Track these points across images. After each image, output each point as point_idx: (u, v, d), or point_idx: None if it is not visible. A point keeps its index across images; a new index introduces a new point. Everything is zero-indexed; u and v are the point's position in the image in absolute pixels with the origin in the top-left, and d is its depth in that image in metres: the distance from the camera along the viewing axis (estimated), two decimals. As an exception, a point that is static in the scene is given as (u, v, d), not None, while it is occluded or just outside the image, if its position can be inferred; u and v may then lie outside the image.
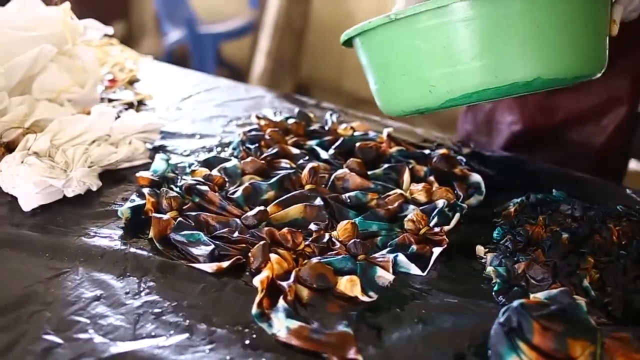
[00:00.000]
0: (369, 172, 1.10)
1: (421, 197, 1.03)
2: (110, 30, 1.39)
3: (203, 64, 3.93)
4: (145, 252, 0.86)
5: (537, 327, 0.68)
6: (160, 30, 4.48)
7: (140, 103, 1.40)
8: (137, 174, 1.01)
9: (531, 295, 0.79)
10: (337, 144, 1.18)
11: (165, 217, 0.89)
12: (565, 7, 0.90)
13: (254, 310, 0.74)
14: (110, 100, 1.36)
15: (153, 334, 0.71)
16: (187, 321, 0.73)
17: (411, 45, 0.95)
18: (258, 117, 1.32)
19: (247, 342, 0.71)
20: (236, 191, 1.00)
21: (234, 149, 1.19)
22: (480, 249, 0.93)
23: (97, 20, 1.42)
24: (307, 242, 0.88)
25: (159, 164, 1.05)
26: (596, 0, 0.95)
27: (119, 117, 1.18)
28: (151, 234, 0.88)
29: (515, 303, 0.71)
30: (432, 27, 0.92)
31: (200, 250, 0.85)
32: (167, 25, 4.17)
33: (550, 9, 0.89)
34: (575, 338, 0.68)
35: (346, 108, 1.47)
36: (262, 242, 0.84)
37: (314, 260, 0.83)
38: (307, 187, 1.02)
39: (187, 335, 0.71)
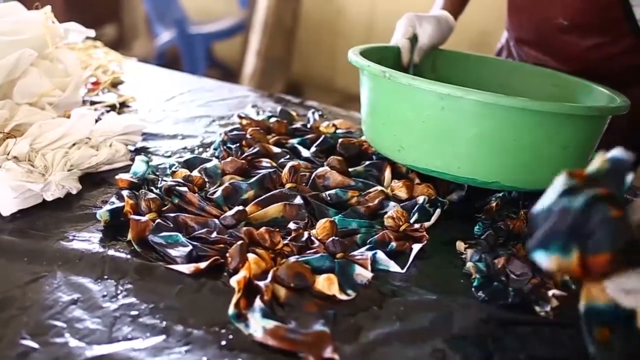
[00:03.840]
0: (351, 170, 1.10)
1: (402, 193, 1.03)
2: (92, 33, 1.39)
3: (194, 64, 3.93)
4: (123, 255, 0.85)
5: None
6: (151, 32, 4.47)
7: (123, 105, 1.40)
8: (117, 177, 1.01)
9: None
10: (318, 141, 1.18)
11: (143, 219, 0.89)
12: (542, 130, 0.95)
13: (231, 310, 0.74)
14: (92, 103, 1.36)
15: (129, 336, 0.71)
16: (164, 323, 0.73)
17: (396, 106, 1.02)
18: (240, 117, 1.32)
19: (223, 342, 0.71)
20: (216, 191, 0.99)
21: (215, 149, 1.19)
22: (460, 245, 0.93)
23: (89, 23, 1.42)
24: (285, 241, 0.88)
25: (138, 165, 1.04)
26: (583, 127, 0.99)
27: (100, 119, 1.17)
28: (129, 236, 0.88)
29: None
30: (421, 101, 0.97)
31: (178, 252, 0.84)
32: (158, 27, 4.17)
33: (530, 130, 0.94)
34: None
35: (337, 105, 1.47)
36: (239, 242, 0.84)
37: (292, 259, 0.83)
38: (288, 185, 1.01)
39: (163, 337, 0.71)
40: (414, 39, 1.27)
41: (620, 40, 1.24)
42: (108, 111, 1.33)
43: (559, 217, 0.60)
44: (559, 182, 0.61)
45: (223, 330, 0.72)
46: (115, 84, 1.51)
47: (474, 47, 1.69)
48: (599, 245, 0.59)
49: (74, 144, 1.07)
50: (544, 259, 0.61)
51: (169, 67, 1.80)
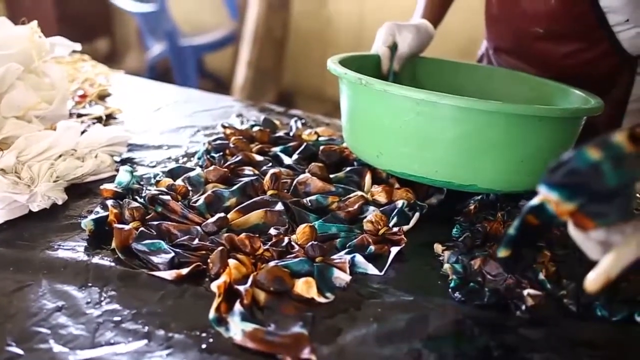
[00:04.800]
0: (332, 176, 1.12)
1: (381, 198, 1.05)
2: (78, 46, 1.41)
3: (185, 76, 3.95)
4: (107, 263, 0.87)
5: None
6: (143, 45, 4.50)
7: (110, 117, 1.42)
8: (101, 187, 1.03)
9: None
10: (300, 149, 1.20)
11: (127, 227, 0.91)
12: (517, 133, 0.97)
13: (211, 314, 0.76)
14: (79, 115, 1.38)
15: (112, 341, 0.72)
16: (146, 328, 0.75)
17: (374, 112, 1.04)
18: (224, 126, 1.34)
19: (203, 346, 0.72)
20: (199, 199, 1.01)
21: (199, 158, 1.21)
22: (438, 247, 0.95)
23: (81, 37, 1.44)
24: (266, 247, 0.89)
25: (123, 175, 1.06)
26: (557, 129, 1.00)
27: (86, 131, 1.19)
28: (113, 245, 0.89)
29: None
30: (397, 107, 0.99)
31: (161, 259, 0.86)
32: (149, 40, 4.19)
33: (504, 132, 0.96)
34: None
35: (328, 114, 1.49)
36: (220, 248, 0.86)
37: (272, 264, 0.85)
38: (269, 193, 1.03)
39: (145, 341, 0.73)
40: (393, 47, 1.29)
41: (596, 46, 1.26)
42: (94, 123, 1.35)
43: (587, 171, 0.60)
44: (617, 142, 0.59)
45: (204, 334, 0.74)
46: (102, 97, 1.53)
47: (462, 55, 1.71)
48: (600, 216, 0.62)
49: (60, 156, 1.08)
50: (545, 192, 0.63)
51: (160, 80, 1.83)
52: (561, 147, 1.02)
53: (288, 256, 0.89)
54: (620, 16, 1.20)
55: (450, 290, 0.86)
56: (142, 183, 1.08)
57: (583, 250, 0.66)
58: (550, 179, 0.62)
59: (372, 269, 0.88)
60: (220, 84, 4.26)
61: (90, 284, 0.83)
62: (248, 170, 1.12)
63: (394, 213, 1.01)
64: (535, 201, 0.66)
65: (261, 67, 3.80)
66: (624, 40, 1.24)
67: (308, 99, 4.14)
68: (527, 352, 0.75)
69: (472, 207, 1.04)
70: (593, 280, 0.62)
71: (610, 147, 0.59)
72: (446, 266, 0.90)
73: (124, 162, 1.18)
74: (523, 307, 0.82)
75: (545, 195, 0.63)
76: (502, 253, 0.72)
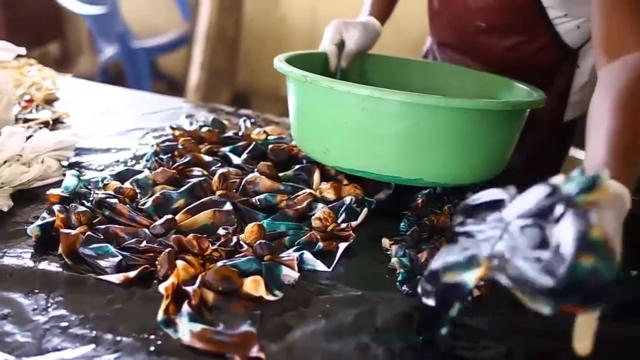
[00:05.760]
0: (281, 174, 1.12)
1: (330, 195, 1.06)
2: (23, 51, 1.39)
3: (138, 78, 3.91)
4: (54, 268, 0.86)
5: None
6: (95, 48, 4.44)
7: (57, 121, 1.40)
8: (48, 192, 1.02)
9: None
10: (249, 148, 1.20)
11: (73, 232, 0.90)
12: (461, 127, 0.98)
13: (160, 316, 0.75)
14: (26, 120, 1.36)
15: (59, 347, 0.72)
16: (94, 332, 0.74)
17: (320, 109, 1.05)
18: (172, 128, 1.33)
19: (152, 348, 0.72)
20: (147, 202, 1.01)
21: (147, 160, 1.20)
22: (385, 241, 0.96)
23: (31, 42, 1.42)
24: (214, 247, 0.89)
25: (69, 180, 1.05)
26: (500, 122, 1.02)
27: (32, 136, 1.18)
28: (60, 250, 0.89)
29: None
30: (342, 104, 1.00)
31: (108, 262, 0.86)
32: (101, 43, 4.14)
33: (448, 126, 0.98)
34: None
35: (283, 114, 1.48)
36: (167, 250, 0.85)
37: (220, 263, 0.85)
38: (218, 193, 1.03)
39: (93, 346, 0.72)
40: (341, 45, 1.30)
41: (538, 39, 1.29)
42: (41, 128, 1.33)
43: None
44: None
45: (152, 337, 0.74)
46: (49, 101, 1.51)
47: (417, 52, 1.72)
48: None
49: (5, 162, 1.07)
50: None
51: (114, 83, 1.81)
52: (505, 139, 1.04)
53: (236, 255, 0.89)
54: (559, 11, 1.23)
55: (397, 283, 0.87)
56: (89, 187, 1.07)
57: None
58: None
59: (320, 266, 0.89)
60: (174, 86, 4.23)
61: (37, 291, 0.82)
62: (197, 171, 1.12)
63: (342, 209, 1.01)
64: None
65: (215, 68, 3.79)
66: (564, 33, 1.27)
67: (263, 99, 4.13)
68: (473, 342, 0.76)
69: (419, 201, 1.06)
70: (583, 349, 0.64)
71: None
72: (394, 260, 0.91)
73: (71, 166, 1.17)
74: (469, 298, 0.83)
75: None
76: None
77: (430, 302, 0.73)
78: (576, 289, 0.58)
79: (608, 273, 0.58)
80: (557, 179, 0.63)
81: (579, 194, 0.60)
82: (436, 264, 0.73)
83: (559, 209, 0.60)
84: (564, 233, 0.58)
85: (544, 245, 0.60)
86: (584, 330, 0.64)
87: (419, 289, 0.76)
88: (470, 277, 0.68)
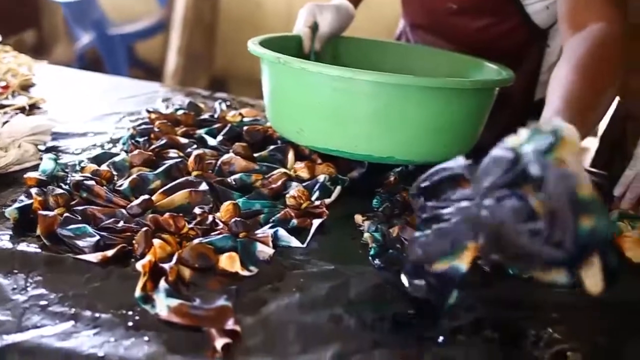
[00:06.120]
0: (256, 155, 1.14)
1: (304, 174, 1.08)
2: (-3, 37, 1.40)
3: (116, 65, 3.90)
4: (32, 249, 0.87)
5: None
6: (71, 36, 4.41)
7: (34, 107, 1.40)
8: (25, 175, 1.03)
9: None
10: (224, 130, 1.22)
11: (51, 213, 0.91)
12: (431, 105, 1.01)
13: (137, 293, 0.77)
14: (2, 107, 1.36)
15: (38, 324, 0.73)
16: (73, 310, 0.76)
17: (293, 90, 1.07)
18: (148, 111, 1.34)
19: (130, 324, 0.74)
20: (123, 183, 1.02)
21: (123, 143, 1.21)
22: (358, 218, 0.98)
23: (7, 30, 1.42)
24: (190, 225, 0.91)
25: (46, 163, 1.06)
26: (469, 100, 1.04)
27: (8, 122, 1.18)
28: (38, 232, 0.90)
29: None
30: (314, 84, 1.03)
31: (86, 242, 0.87)
32: (77, 30, 4.11)
33: (418, 105, 1.00)
34: None
35: (260, 97, 1.49)
36: (144, 229, 0.87)
37: (196, 241, 0.87)
38: (194, 173, 1.05)
39: (72, 322, 0.74)
40: (315, 28, 1.32)
41: (508, 20, 1.31)
42: (17, 113, 1.34)
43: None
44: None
45: (130, 313, 0.75)
46: (25, 87, 1.51)
47: (390, 33, 1.73)
48: None
49: (-19, 147, 1.08)
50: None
51: (90, 70, 1.81)
52: (474, 117, 1.06)
53: (212, 234, 0.90)
54: None
55: (370, 257, 0.90)
56: (66, 170, 1.08)
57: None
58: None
59: (295, 242, 0.91)
60: (152, 72, 4.21)
61: (16, 271, 0.83)
62: (173, 152, 1.13)
63: (316, 187, 1.04)
64: None
65: (192, 53, 3.79)
66: (533, 14, 1.29)
67: (241, 83, 4.12)
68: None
69: (392, 178, 1.08)
70: (596, 286, 0.60)
71: None
72: (366, 235, 0.94)
73: (48, 150, 1.18)
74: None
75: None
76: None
77: (423, 295, 0.74)
78: (584, 251, 0.58)
79: (607, 227, 0.58)
80: (512, 141, 0.64)
81: (546, 153, 0.60)
82: (415, 257, 0.73)
83: (533, 171, 0.60)
84: (554, 200, 0.58)
85: (531, 215, 0.60)
86: (591, 270, 0.60)
87: (407, 286, 0.75)
88: (461, 262, 0.68)
